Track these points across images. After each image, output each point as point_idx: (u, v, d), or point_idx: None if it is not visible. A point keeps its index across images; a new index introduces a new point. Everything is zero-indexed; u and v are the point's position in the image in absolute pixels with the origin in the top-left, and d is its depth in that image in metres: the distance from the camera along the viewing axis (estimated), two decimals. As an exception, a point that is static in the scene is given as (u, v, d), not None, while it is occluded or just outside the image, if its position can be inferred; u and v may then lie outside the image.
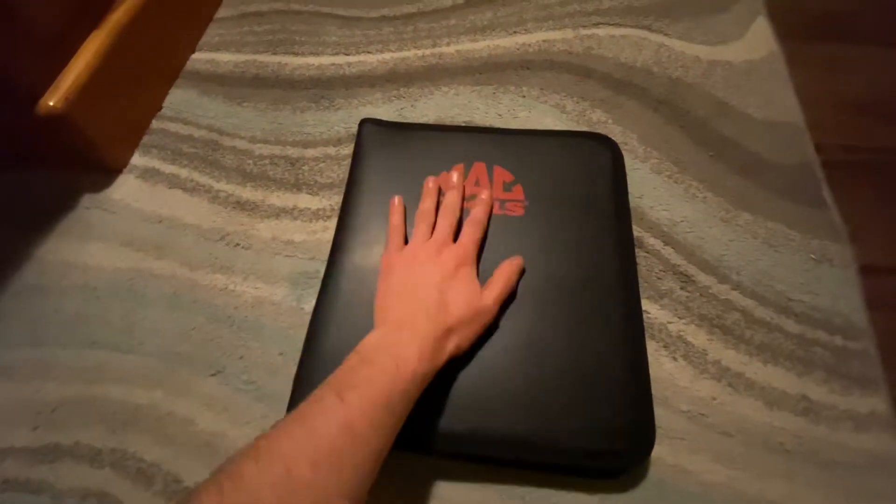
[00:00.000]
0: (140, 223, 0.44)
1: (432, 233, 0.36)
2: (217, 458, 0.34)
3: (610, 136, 0.44)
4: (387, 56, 0.53)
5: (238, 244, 0.42)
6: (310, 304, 0.37)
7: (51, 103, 0.41)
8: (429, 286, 0.32)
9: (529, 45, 0.53)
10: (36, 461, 0.34)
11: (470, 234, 0.36)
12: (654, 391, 0.33)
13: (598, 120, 0.47)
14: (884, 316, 0.37)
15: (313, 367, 0.33)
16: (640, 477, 0.32)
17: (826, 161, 0.44)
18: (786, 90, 0.48)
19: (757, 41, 0.51)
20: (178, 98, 0.51)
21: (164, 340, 0.38)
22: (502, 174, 0.40)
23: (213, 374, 0.37)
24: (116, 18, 0.46)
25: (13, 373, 0.38)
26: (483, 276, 0.35)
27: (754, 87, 0.48)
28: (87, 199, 0.46)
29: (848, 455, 0.32)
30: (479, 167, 0.41)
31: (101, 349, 0.38)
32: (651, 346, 0.36)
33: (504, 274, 0.34)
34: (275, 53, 0.54)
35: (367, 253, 0.37)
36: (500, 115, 0.48)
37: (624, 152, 0.43)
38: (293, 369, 0.34)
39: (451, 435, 0.31)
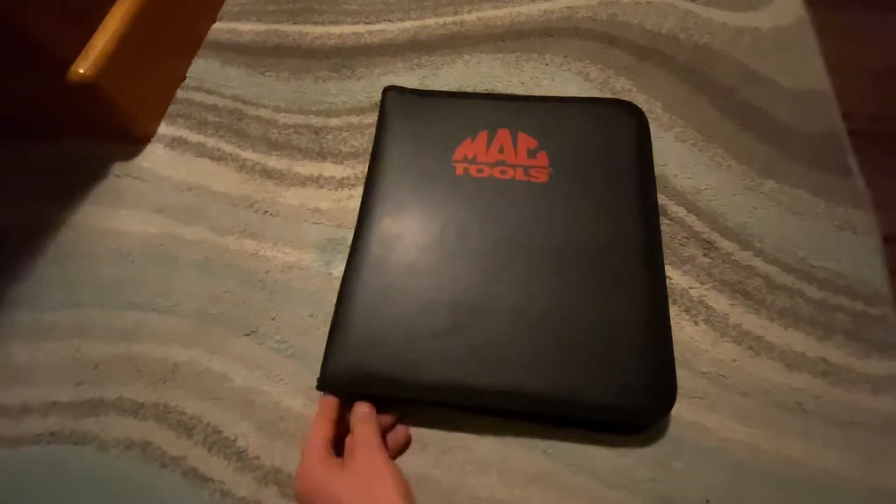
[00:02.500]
0: (170, 191, 0.45)
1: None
2: (254, 412, 0.35)
3: (634, 103, 0.44)
4: (408, 24, 0.53)
5: (266, 211, 0.43)
6: (338, 270, 0.38)
7: (81, 70, 0.42)
8: None
9: (552, 11, 0.52)
10: (80, 415, 0.36)
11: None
12: (675, 353, 0.34)
13: (622, 88, 0.47)
14: (906, 283, 0.37)
15: (345, 328, 0.34)
16: (659, 433, 0.33)
17: (852, 129, 0.43)
18: (814, 58, 0.47)
19: (785, 7, 0.50)
20: (201, 68, 0.52)
21: (199, 302, 0.39)
22: (526, 141, 0.41)
23: (247, 335, 0.38)
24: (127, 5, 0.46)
25: (54, 333, 0.39)
26: (505, 242, 0.36)
27: (782, 55, 0.47)
28: (117, 168, 0.47)
29: (865, 416, 0.33)
30: (503, 134, 0.41)
31: (138, 310, 0.40)
32: (673, 311, 0.37)
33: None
34: (295, 23, 0.54)
35: (394, 219, 0.38)
36: (522, 83, 0.48)
37: (649, 120, 0.43)
38: (323, 330, 0.35)
39: (479, 390, 0.32)
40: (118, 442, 0.35)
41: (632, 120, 0.41)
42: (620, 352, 0.32)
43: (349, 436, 0.31)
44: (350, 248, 0.38)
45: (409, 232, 0.37)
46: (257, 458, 0.34)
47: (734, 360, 0.35)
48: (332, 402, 0.33)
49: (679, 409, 0.33)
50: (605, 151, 0.40)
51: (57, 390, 0.37)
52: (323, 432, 0.31)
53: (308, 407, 0.35)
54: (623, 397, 0.31)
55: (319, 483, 0.29)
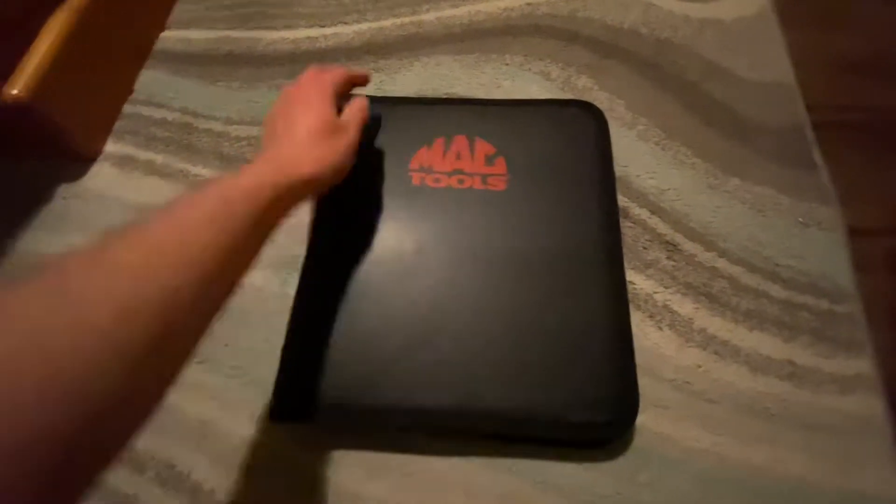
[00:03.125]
0: (118, 212, 0.43)
1: None
2: (208, 444, 0.34)
3: (596, 102, 0.43)
4: (363, 26, 0.51)
5: (218, 229, 0.41)
6: (294, 289, 0.37)
7: (14, 91, 0.39)
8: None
9: (512, 9, 0.50)
10: (30, 452, 0.35)
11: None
12: (639, 361, 0.33)
13: (584, 86, 0.45)
14: (871, 278, 0.37)
15: (297, 354, 0.33)
16: (625, 444, 0.32)
17: (818, 122, 0.43)
18: (778, 49, 0.46)
19: (749, -4, 0.49)
20: (149, 80, 0.50)
21: (149, 329, 0.38)
22: (484, 147, 0.39)
23: (199, 363, 0.37)
24: (77, 2, 0.44)
25: None
26: (462, 255, 0.35)
27: (745, 47, 0.46)
28: (63, 190, 0.45)
29: (832, 418, 0.32)
30: (460, 140, 0.40)
31: (87, 340, 0.38)
32: (637, 317, 0.36)
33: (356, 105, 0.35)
34: (247, 28, 0.52)
35: (347, 234, 0.36)
36: (482, 85, 0.46)
37: (610, 119, 0.42)
38: (279, 355, 0.34)
39: (439, 411, 0.31)
40: (68, 480, 0.34)
41: (591, 121, 0.40)
42: (581, 364, 0.31)
43: None
44: (302, 265, 0.36)
45: (363, 247, 0.36)
46: (212, 491, 0.33)
47: (699, 366, 0.34)
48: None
49: (644, 420, 0.33)
50: (565, 155, 0.39)
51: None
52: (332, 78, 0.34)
53: (263, 437, 0.34)
54: (584, 412, 0.30)
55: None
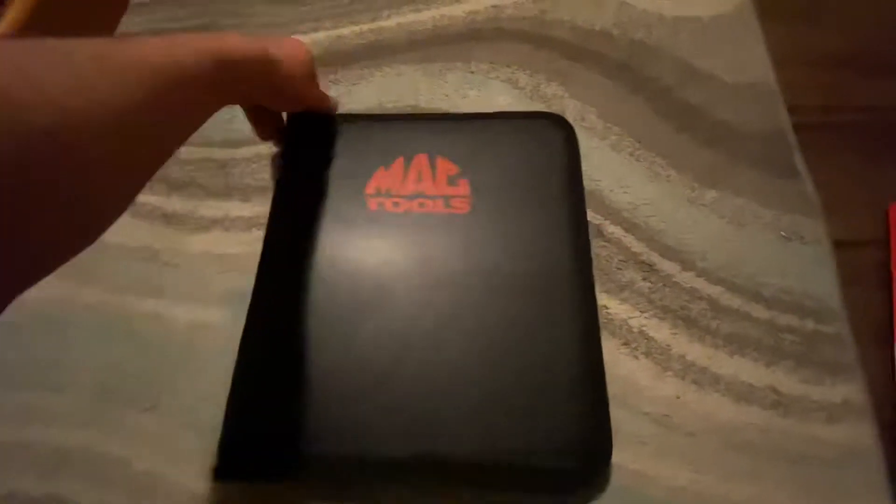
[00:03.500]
0: (61, 246, 0.40)
1: None
2: (158, 498, 0.32)
3: (567, 111, 0.41)
4: (320, 35, 0.48)
5: (167, 263, 0.39)
6: (246, 325, 0.35)
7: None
8: None
9: (478, 12, 0.48)
10: (-33, 515, 0.32)
11: None
12: (615, 393, 0.31)
13: (553, 94, 0.43)
14: (858, 293, 0.35)
15: (242, 407, 0.30)
16: (602, 484, 0.30)
17: (801, 124, 0.40)
18: (757, 47, 0.44)
19: (726, -9, 0.47)
20: (94, 100, 0.47)
21: (95, 375, 0.35)
22: (446, 166, 0.37)
23: (147, 409, 0.34)
24: (12, 17, 0.41)
25: (-63, 421, 0.35)
26: (424, 287, 0.32)
27: (723, 46, 0.44)
28: None
29: (819, 449, 0.31)
30: (421, 160, 0.37)
31: (27, 389, 0.35)
32: (611, 344, 0.34)
33: None
34: (198, 41, 0.49)
35: (298, 267, 0.34)
36: (447, 96, 0.44)
37: (581, 129, 0.40)
38: (230, 399, 0.32)
39: (399, 462, 0.29)
40: (8, 544, 0.32)
41: (559, 135, 0.38)
42: (549, 404, 0.29)
43: None
44: (249, 303, 0.34)
45: (315, 281, 0.33)
46: (162, 551, 0.31)
47: (678, 397, 0.32)
48: None
49: (622, 457, 0.31)
50: (531, 173, 0.36)
51: (-59, 488, 0.33)
52: None
53: (216, 492, 0.32)
54: (553, 458, 0.28)
55: None
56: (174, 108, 0.24)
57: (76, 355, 0.36)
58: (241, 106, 0.36)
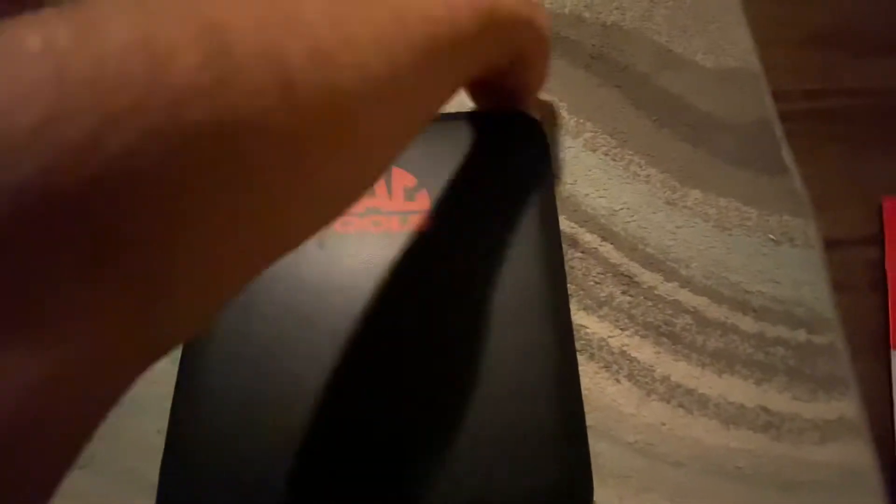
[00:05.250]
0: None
1: None
2: (96, 568, 0.29)
3: (529, 114, 0.37)
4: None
5: (96, 298, 0.35)
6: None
7: None
8: None
9: None
10: None
11: None
12: (596, 423, 0.29)
13: (520, 88, 0.39)
14: (851, 298, 0.33)
15: (179, 464, 0.27)
16: (583, 526, 0.28)
17: (786, 112, 0.37)
18: (739, 28, 0.40)
19: (705, -35, 0.43)
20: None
21: (19, 431, 0.32)
22: (403, 178, 0.33)
23: (81, 467, 0.31)
24: None
25: None
26: (381, 317, 0.29)
27: (702, 27, 0.40)
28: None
29: (813, 472, 0.28)
30: (374, 172, 0.33)
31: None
32: (591, 368, 0.31)
33: None
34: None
35: (236, 303, 0.30)
36: (404, 94, 0.40)
37: (553, 128, 0.36)
38: (171, 453, 0.28)
39: (358, 517, 0.26)
40: None
41: (526, 136, 0.34)
42: (521, 447, 0.26)
43: None
44: (182, 347, 0.30)
45: (259, 318, 0.29)
46: None
47: (663, 424, 0.30)
48: None
49: (606, 495, 0.28)
50: (496, 181, 0.32)
51: None
52: None
53: (159, 556, 0.28)
54: (528, 506, 0.26)
55: None
56: (443, 72, 0.21)
57: None
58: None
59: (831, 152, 0.37)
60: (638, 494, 0.28)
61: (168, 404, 0.31)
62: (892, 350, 0.31)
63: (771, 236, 0.33)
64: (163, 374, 0.32)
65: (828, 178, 0.36)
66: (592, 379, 0.31)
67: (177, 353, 0.32)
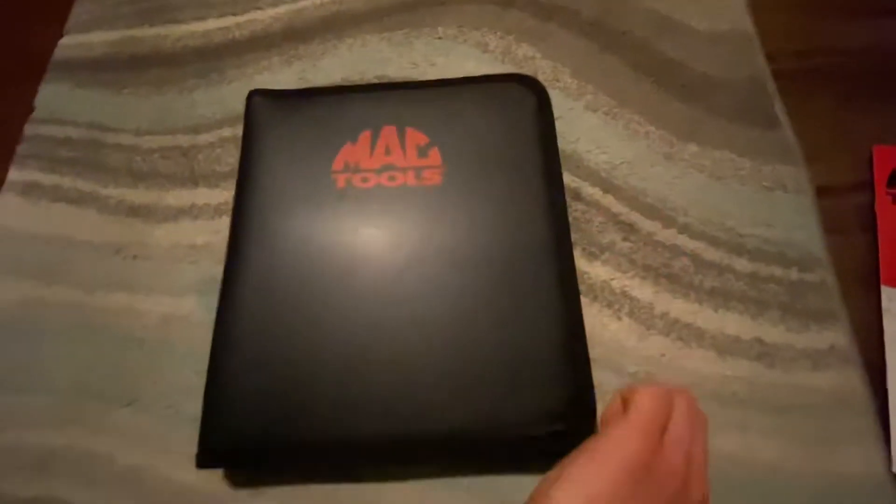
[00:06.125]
0: (26, 247, 0.39)
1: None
2: (144, 491, 0.31)
3: (539, 72, 0.39)
4: (280, 10, 0.46)
5: (136, 256, 0.38)
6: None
7: None
8: None
9: (442, -26, 0.46)
10: (-44, 522, 0.32)
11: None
12: (598, 355, 0.31)
13: (524, 56, 0.41)
14: (842, 240, 0.34)
15: (219, 394, 0.30)
16: (589, 448, 0.30)
17: (777, 71, 0.39)
18: (733, -8, 0.42)
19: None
20: (49, 94, 0.45)
21: (71, 374, 0.35)
22: (415, 137, 0.36)
23: (127, 405, 0.34)
24: None
25: (-83, 431, 0.35)
26: (398, 262, 0.32)
27: (697, -7, 0.42)
28: (-34, 228, 0.40)
29: (806, 397, 0.30)
30: (389, 132, 0.36)
31: (3, 394, 0.35)
32: (593, 308, 0.33)
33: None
34: (152, 24, 0.47)
35: (267, 251, 0.33)
36: (415, 65, 0.42)
37: (555, 91, 0.38)
38: (210, 389, 0.31)
39: (383, 441, 0.28)
40: (0, 546, 0.31)
41: (531, 97, 0.36)
42: (530, 371, 0.29)
43: None
44: (220, 290, 0.33)
45: (284, 265, 0.32)
46: (153, 543, 0.30)
47: (663, 355, 0.32)
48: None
49: (608, 419, 0.30)
50: (504, 138, 0.35)
51: (-74, 496, 0.33)
52: None
53: (202, 479, 0.31)
54: (537, 424, 0.28)
55: None
56: None
57: (49, 356, 0.35)
58: None
59: (821, 107, 0.38)
60: (640, 419, 0.31)
61: (204, 350, 0.34)
62: (881, 286, 0.33)
63: (764, 184, 0.35)
64: (199, 322, 0.35)
65: (818, 131, 0.37)
66: (596, 317, 0.33)
67: (211, 302, 0.35)
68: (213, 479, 0.31)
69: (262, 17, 0.46)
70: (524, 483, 0.29)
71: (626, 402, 0.24)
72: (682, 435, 0.23)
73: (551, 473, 0.23)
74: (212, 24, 0.46)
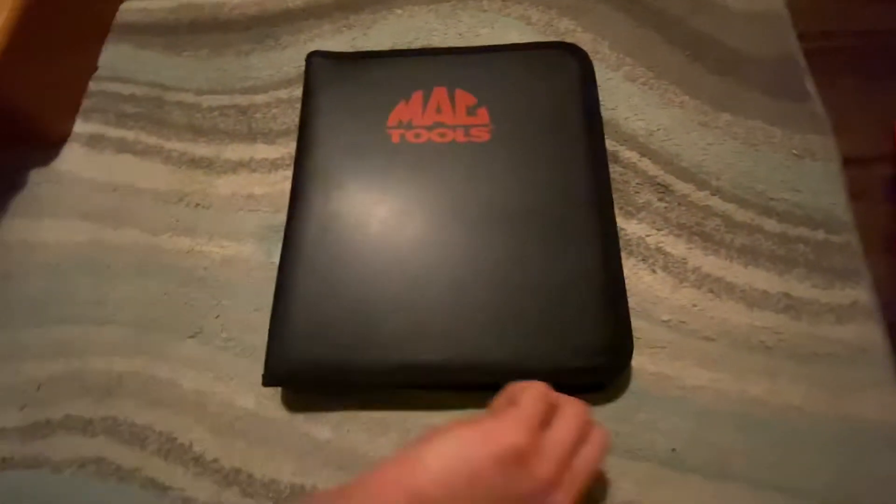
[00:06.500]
0: (93, 194, 0.42)
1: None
2: (206, 415, 0.34)
3: (579, 45, 0.41)
4: (332, -18, 0.48)
5: (198, 204, 0.40)
6: (279, 258, 0.36)
7: (-30, 73, 0.38)
8: None
9: (487, -48, 0.48)
10: (29, 438, 0.35)
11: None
12: (633, 305, 0.33)
13: (566, 29, 0.43)
14: (867, 206, 0.36)
15: (286, 319, 0.32)
16: (622, 387, 0.32)
17: (808, 49, 0.41)
18: (767, -26, 0.44)
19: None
20: (112, 55, 0.47)
21: (137, 308, 0.37)
22: (465, 98, 0.38)
23: (191, 336, 0.36)
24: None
25: (-8, 357, 0.37)
26: (448, 210, 0.34)
27: (733, -26, 0.44)
28: (35, 175, 0.43)
29: (829, 347, 0.32)
30: (440, 93, 0.38)
31: (75, 324, 0.37)
32: (629, 262, 0.35)
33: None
34: (210, -7, 0.49)
35: (327, 198, 0.35)
36: (460, 35, 0.44)
37: (595, 61, 0.40)
38: (269, 322, 0.34)
39: (432, 367, 0.31)
40: (71, 461, 0.34)
41: (574, 63, 0.38)
42: (574, 311, 0.31)
43: None
44: (284, 233, 0.35)
45: (344, 210, 0.35)
46: (216, 460, 0.33)
47: (694, 306, 0.34)
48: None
49: (640, 361, 0.32)
50: (549, 100, 0.37)
51: (2, 416, 0.36)
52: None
53: (262, 404, 0.34)
54: (579, 358, 0.30)
55: None
56: None
57: (118, 292, 0.38)
58: None
59: (848, 84, 0.40)
60: (670, 362, 0.33)
61: (261, 289, 0.36)
62: (903, 249, 0.34)
63: (794, 151, 0.37)
64: (258, 265, 0.37)
65: (846, 106, 0.39)
66: (631, 270, 0.35)
67: (269, 247, 0.38)
68: (271, 404, 0.34)
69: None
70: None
71: (511, 399, 0.25)
72: (561, 440, 0.24)
73: (422, 435, 0.24)
74: (266, -7, 0.49)
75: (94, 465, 0.33)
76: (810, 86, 0.39)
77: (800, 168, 0.37)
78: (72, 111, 0.45)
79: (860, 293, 0.33)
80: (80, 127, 0.45)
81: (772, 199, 0.36)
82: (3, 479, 0.34)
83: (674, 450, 0.31)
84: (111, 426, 0.34)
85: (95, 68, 0.47)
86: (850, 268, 0.34)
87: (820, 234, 0.35)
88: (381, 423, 0.32)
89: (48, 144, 0.44)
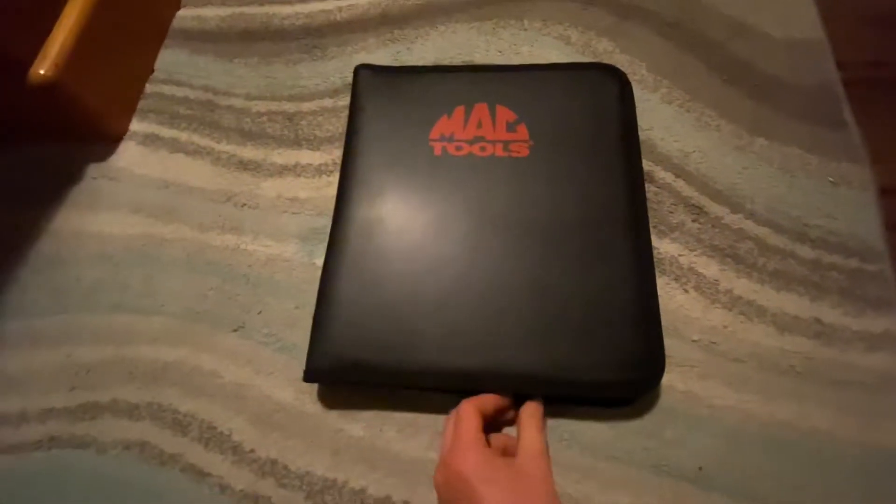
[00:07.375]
0: (146, 190, 0.44)
1: None
2: (246, 406, 0.35)
3: (617, 65, 0.42)
4: (379, -3, 0.50)
5: (245, 204, 0.42)
6: (321, 259, 0.38)
7: (42, 71, 0.40)
8: None
9: (529, -27, 0.49)
10: (77, 419, 0.37)
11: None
12: (664, 323, 0.34)
13: (604, 50, 0.45)
14: (902, 236, 0.36)
15: (328, 319, 0.34)
16: (651, 403, 0.33)
17: (848, 79, 0.41)
18: (806, 4, 0.44)
19: (776, -50, 0.47)
20: (168, 59, 0.50)
21: (184, 301, 0.39)
22: (505, 114, 0.39)
23: (234, 330, 0.38)
24: (60, 43, 0.44)
25: (43, 340, 0.39)
26: (487, 222, 0.35)
27: (772, 3, 0.45)
28: (92, 170, 0.46)
29: (859, 374, 0.33)
30: (481, 108, 0.39)
31: (125, 313, 0.39)
32: (662, 281, 0.36)
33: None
34: (262, 4, 0.52)
35: (371, 204, 0.37)
36: (500, 52, 0.46)
37: (632, 83, 0.41)
38: (310, 321, 0.35)
39: (467, 373, 0.32)
40: (116, 443, 0.36)
41: (614, 84, 0.39)
42: (607, 326, 0.32)
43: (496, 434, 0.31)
44: (329, 236, 0.37)
45: (387, 216, 0.36)
46: (253, 451, 0.34)
47: (725, 326, 0.34)
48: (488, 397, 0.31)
49: (670, 379, 0.33)
50: (587, 119, 0.38)
51: (52, 397, 0.38)
52: (476, 422, 0.29)
53: (299, 399, 0.35)
54: (611, 372, 0.31)
55: (472, 474, 0.26)
56: None
57: (165, 284, 0.40)
58: None
59: (888, 114, 0.40)
60: (700, 381, 0.33)
61: (303, 288, 0.38)
62: (938, 281, 0.34)
63: (830, 179, 0.38)
64: (300, 265, 0.39)
65: (885, 136, 0.39)
66: (663, 289, 0.36)
67: (312, 248, 0.39)
68: (308, 400, 0.35)
69: (362, 2, 0.50)
70: (590, 427, 0.33)
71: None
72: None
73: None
74: (315, 6, 0.51)
75: (137, 448, 0.35)
76: (848, 115, 0.40)
77: (835, 195, 0.37)
78: (129, 111, 0.48)
79: (892, 322, 0.34)
80: (136, 126, 0.47)
81: (806, 224, 0.37)
82: (50, 457, 0.36)
83: (700, 468, 0.31)
84: (156, 412, 0.36)
85: (152, 71, 0.50)
86: (882, 297, 0.34)
87: (854, 262, 0.35)
88: (413, 423, 0.34)
89: (106, 141, 0.46)
